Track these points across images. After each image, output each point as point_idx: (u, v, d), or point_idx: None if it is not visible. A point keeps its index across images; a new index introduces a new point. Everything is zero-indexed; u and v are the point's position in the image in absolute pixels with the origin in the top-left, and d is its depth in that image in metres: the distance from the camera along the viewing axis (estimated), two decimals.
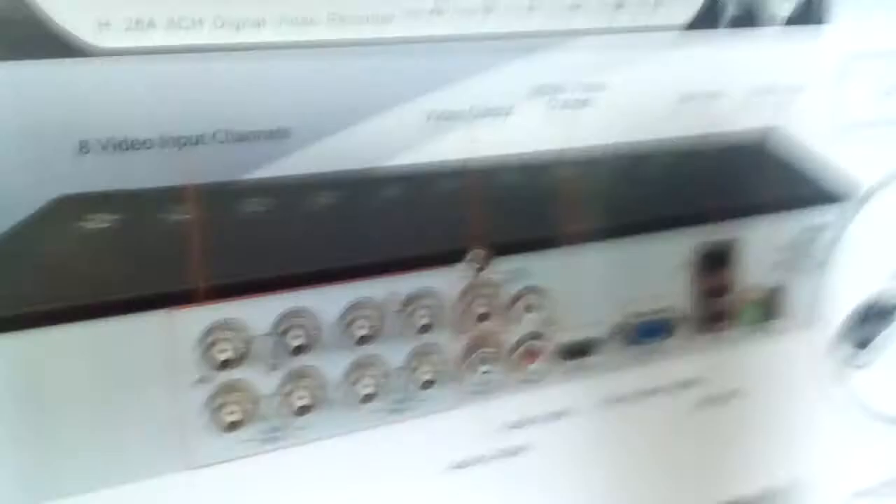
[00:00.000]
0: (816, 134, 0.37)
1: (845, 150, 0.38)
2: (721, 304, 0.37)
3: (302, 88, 0.27)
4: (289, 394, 0.29)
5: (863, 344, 0.41)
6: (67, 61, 0.24)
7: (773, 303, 0.38)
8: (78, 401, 0.26)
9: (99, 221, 0.25)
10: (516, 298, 0.32)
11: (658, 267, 0.35)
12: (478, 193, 0.30)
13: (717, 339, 0.37)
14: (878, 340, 0.41)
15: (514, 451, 0.33)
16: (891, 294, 0.41)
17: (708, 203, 0.35)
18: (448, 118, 0.29)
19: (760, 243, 0.37)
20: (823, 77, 0.37)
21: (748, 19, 0.35)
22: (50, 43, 0.24)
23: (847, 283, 0.39)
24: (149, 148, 0.25)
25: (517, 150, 0.31)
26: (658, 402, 0.36)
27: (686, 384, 0.36)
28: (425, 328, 0.30)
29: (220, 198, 0.27)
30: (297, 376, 0.29)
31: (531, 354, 0.33)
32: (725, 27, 0.34)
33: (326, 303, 0.29)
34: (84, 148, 0.24)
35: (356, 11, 0.27)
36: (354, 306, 0.29)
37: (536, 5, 0.30)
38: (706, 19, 0.34)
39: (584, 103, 0.32)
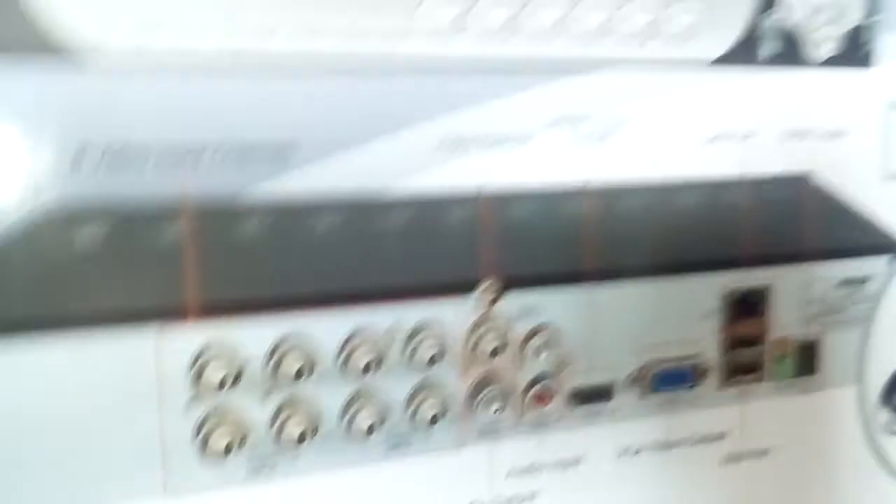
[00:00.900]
0: (860, 182, 0.36)
1: (891, 201, 0.36)
2: (751, 355, 0.35)
3: (313, 102, 0.26)
4: (283, 421, 0.27)
5: None
6: (67, 66, 0.23)
7: (807, 357, 0.36)
8: (59, 416, 0.25)
9: (92, 233, 0.24)
10: (529, 336, 0.31)
11: (684, 311, 0.33)
12: (492, 222, 0.29)
13: (745, 392, 0.35)
14: None
15: (521, 500, 0.31)
16: None
17: (740, 247, 0.34)
18: (463, 142, 0.28)
19: (796, 293, 0.35)
20: (867, 123, 0.35)
21: (787, 57, 0.33)
22: (50, 46, 0.23)
23: (891, 342, 0.37)
24: (146, 160, 0.24)
25: (535, 180, 0.30)
26: (679, 456, 0.34)
27: (711, 438, 0.35)
28: (432, 361, 0.29)
29: (219, 214, 0.26)
30: (293, 403, 0.27)
31: (543, 397, 0.31)
32: (761, 64, 0.33)
33: (327, 327, 0.28)
34: (81, 158, 0.24)
35: (372, 24, 0.27)
36: (357, 333, 0.28)
37: (563, 30, 0.29)
38: (741, 54, 0.32)
39: (605, 136, 0.30)
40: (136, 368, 0.25)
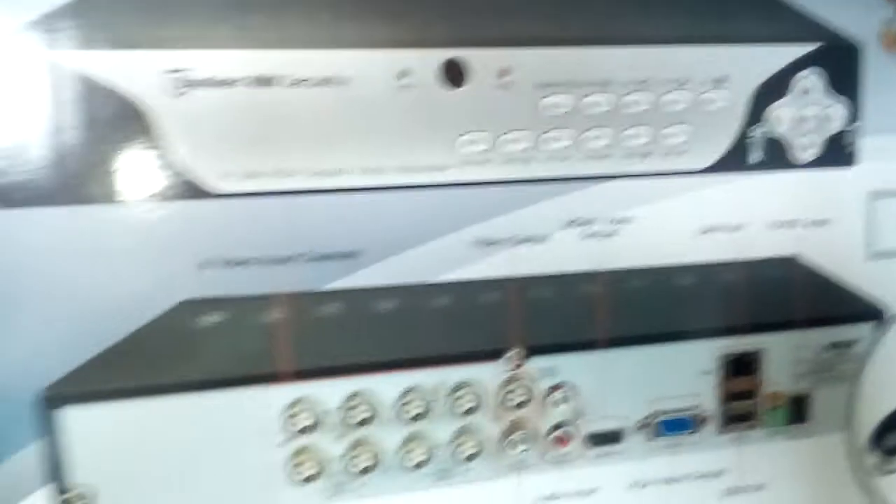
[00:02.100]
0: (846, 261, 0.42)
1: (875, 277, 0.42)
2: (745, 406, 0.42)
3: (372, 219, 0.35)
4: (353, 457, 0.36)
5: (893, 451, 0.44)
6: (198, 202, 0.33)
7: (798, 408, 0.42)
8: (193, 454, 0.34)
9: (212, 319, 0.34)
10: (550, 391, 0.39)
11: (685, 371, 0.40)
12: (518, 302, 0.37)
13: (741, 436, 0.42)
14: None
15: None
16: None
17: (734, 317, 0.41)
18: (492, 243, 0.37)
19: (787, 355, 0.42)
20: (851, 211, 0.42)
21: (774, 161, 0.40)
22: (184, 188, 0.33)
23: (879, 394, 0.43)
24: (252, 265, 0.34)
25: (552, 269, 0.38)
26: (682, 490, 0.41)
27: (710, 475, 0.42)
28: (470, 411, 0.37)
29: (305, 303, 0.35)
30: (360, 444, 0.36)
31: (562, 439, 0.39)
32: (750, 169, 0.40)
33: (387, 386, 0.36)
34: (205, 265, 0.33)
35: (417, 161, 0.35)
36: (410, 390, 0.37)
37: (571, 154, 0.37)
38: (731, 162, 0.39)
39: (612, 234, 0.38)
40: (246, 416, 0.35)
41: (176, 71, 0.32)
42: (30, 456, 0.33)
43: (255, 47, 0.33)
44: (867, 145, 0.41)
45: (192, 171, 0.33)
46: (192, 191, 0.33)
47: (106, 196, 0.32)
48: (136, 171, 0.32)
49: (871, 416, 0.44)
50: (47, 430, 0.32)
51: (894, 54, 0.41)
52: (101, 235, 0.32)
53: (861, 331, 0.43)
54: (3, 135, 0.31)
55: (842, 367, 0.43)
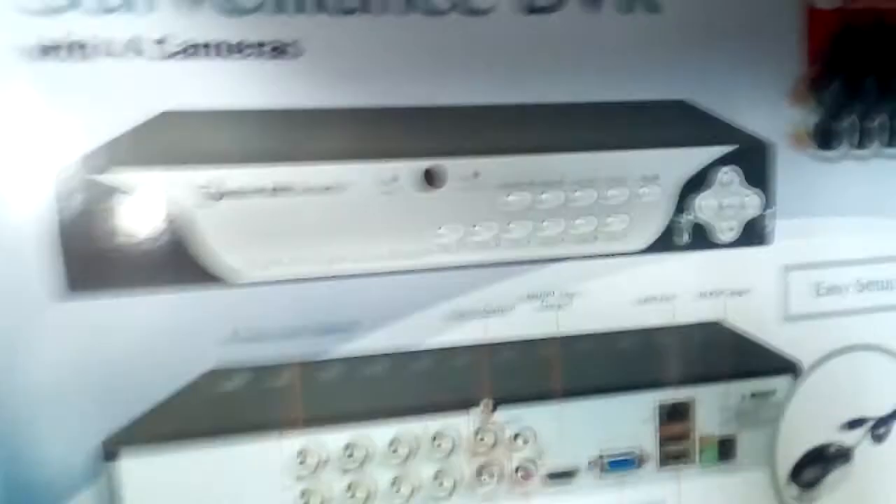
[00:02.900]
0: (765, 324, 0.50)
1: (790, 337, 0.51)
2: (681, 447, 0.49)
3: (368, 297, 0.43)
4: (353, 491, 0.44)
5: (809, 485, 0.52)
6: (224, 289, 0.41)
7: (727, 448, 0.50)
8: (223, 492, 0.42)
9: (237, 384, 0.42)
10: (515, 436, 0.46)
11: (627, 418, 0.48)
12: (486, 363, 0.45)
13: (679, 472, 0.49)
14: (822, 483, 0.52)
15: None
16: (834, 445, 0.52)
17: (668, 373, 0.49)
18: (465, 315, 0.45)
19: (715, 403, 0.50)
20: (768, 282, 0.50)
21: (699, 242, 0.48)
22: (211, 278, 0.41)
23: (795, 436, 0.51)
24: (270, 339, 0.42)
25: (516, 335, 0.46)
26: None
27: None
28: (448, 453, 0.45)
29: (313, 366, 0.43)
30: (360, 480, 0.44)
31: (526, 476, 0.47)
32: (679, 249, 0.48)
33: (380, 433, 0.44)
34: (233, 339, 0.41)
35: (404, 248, 0.43)
36: (399, 436, 0.44)
37: (530, 241, 0.45)
38: (662, 243, 0.47)
39: (565, 305, 0.46)
40: (266, 458, 0.43)
41: (207, 186, 0.40)
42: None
43: (272, 162, 0.41)
44: (780, 227, 0.49)
45: (222, 263, 0.41)
46: (220, 279, 0.41)
47: (155, 284, 0.40)
48: (180, 263, 0.40)
49: (789, 455, 0.52)
50: (106, 473, 0.40)
51: (801, 151, 0.49)
52: (149, 317, 0.40)
53: (779, 383, 0.51)
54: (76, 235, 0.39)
55: (763, 414, 0.51)
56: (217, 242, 0.41)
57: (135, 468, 0.41)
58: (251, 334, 0.41)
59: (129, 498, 0.41)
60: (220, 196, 0.40)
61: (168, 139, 0.40)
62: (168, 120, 0.40)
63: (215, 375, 0.41)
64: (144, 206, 0.40)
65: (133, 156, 0.39)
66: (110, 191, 0.39)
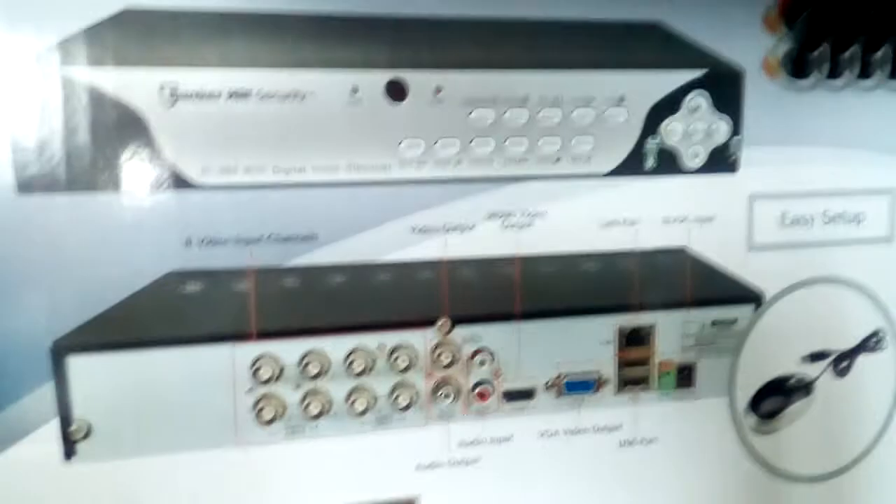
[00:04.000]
0: (729, 252, 0.50)
1: (754, 266, 0.51)
2: (639, 372, 0.49)
3: (327, 208, 0.43)
4: (307, 404, 0.44)
5: (768, 416, 0.53)
6: (183, 191, 0.41)
7: (686, 375, 0.50)
8: (174, 397, 0.42)
9: (193, 287, 0.41)
10: (473, 354, 0.46)
11: (587, 341, 0.48)
12: (446, 280, 0.45)
13: (636, 397, 0.50)
14: (782, 414, 0.53)
15: (466, 462, 0.47)
16: (795, 377, 0.53)
17: (630, 297, 0.49)
18: (426, 231, 0.44)
19: (676, 329, 0.50)
20: (734, 210, 0.50)
21: (666, 168, 0.48)
22: (172, 180, 0.40)
23: (756, 366, 0.52)
24: (227, 244, 0.41)
25: (477, 253, 0.46)
26: (585, 439, 0.49)
27: (609, 428, 0.50)
28: (406, 368, 0.45)
29: (270, 276, 0.42)
30: (313, 393, 0.44)
31: (483, 394, 0.47)
32: (645, 174, 0.48)
33: (337, 346, 0.44)
34: (189, 243, 0.41)
35: (365, 162, 0.43)
36: (356, 349, 0.44)
37: (494, 158, 0.45)
38: (629, 167, 0.47)
39: (527, 225, 0.46)
40: (219, 368, 0.43)
41: (168, 85, 0.39)
42: (41, 395, 0.40)
43: (233, 66, 0.41)
44: (747, 155, 0.49)
45: (179, 166, 0.40)
46: (179, 182, 0.40)
47: (109, 185, 0.40)
48: (134, 166, 0.40)
49: (749, 385, 0.52)
50: (55, 374, 0.40)
51: (772, 79, 0.49)
52: (104, 217, 0.40)
53: (740, 312, 0.51)
54: (27, 135, 0.38)
55: (723, 342, 0.51)
56: (172, 146, 0.40)
57: (84, 369, 0.40)
58: (207, 240, 0.41)
59: (78, 400, 0.41)
60: (175, 99, 0.40)
61: (126, 37, 0.39)
62: (128, 17, 0.39)
63: (169, 280, 0.41)
64: (99, 106, 0.39)
65: (90, 53, 0.39)
66: (64, 88, 0.39)
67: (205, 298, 0.42)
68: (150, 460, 0.42)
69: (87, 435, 0.41)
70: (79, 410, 0.41)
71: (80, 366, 0.40)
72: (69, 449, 0.41)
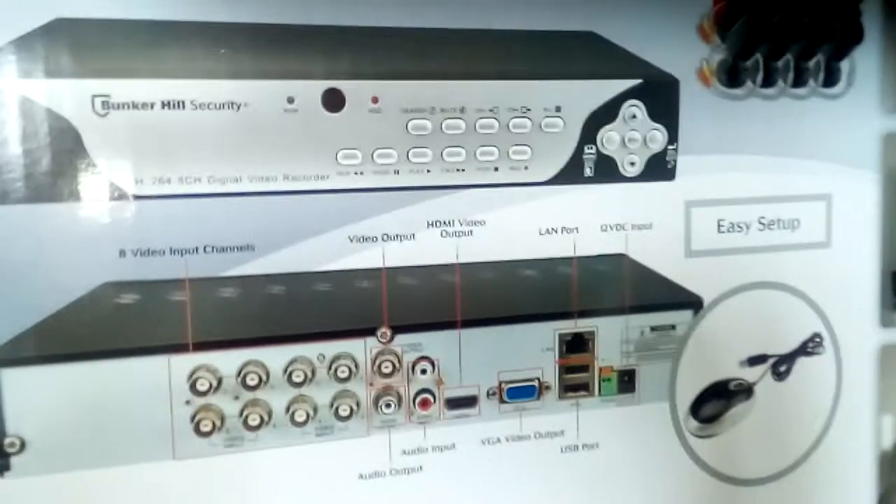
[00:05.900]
0: (667, 259, 0.51)
1: (692, 272, 0.51)
2: (581, 378, 0.50)
3: (264, 218, 0.43)
4: (247, 415, 0.44)
5: (709, 419, 0.53)
6: (115, 204, 0.40)
7: (627, 380, 0.51)
8: (110, 409, 0.42)
9: (128, 298, 0.41)
10: (414, 363, 0.46)
11: (528, 347, 0.48)
12: (388, 288, 0.45)
13: (578, 402, 0.50)
14: (722, 417, 0.53)
15: (408, 471, 0.47)
16: (735, 381, 0.53)
17: (570, 304, 0.49)
18: (365, 240, 0.45)
19: (616, 335, 0.50)
20: (671, 217, 0.50)
21: (604, 175, 0.48)
22: (105, 190, 0.40)
23: (695, 371, 0.52)
24: (162, 255, 0.41)
25: (417, 262, 0.46)
26: (528, 445, 0.49)
27: (552, 434, 0.50)
28: (347, 378, 0.45)
29: (206, 286, 0.42)
30: (252, 405, 0.44)
31: (426, 403, 0.47)
32: (584, 181, 0.48)
33: (276, 356, 0.44)
34: (123, 253, 0.41)
35: (302, 171, 0.43)
36: (296, 360, 0.44)
37: (432, 168, 0.45)
38: (568, 175, 0.48)
39: (467, 233, 0.46)
40: (155, 380, 0.42)
41: (100, 96, 0.39)
42: None
43: (166, 76, 0.40)
44: (684, 163, 0.50)
45: (113, 177, 0.40)
46: (112, 193, 0.40)
47: (41, 197, 0.39)
48: (67, 177, 0.39)
49: (690, 389, 0.52)
50: None
51: (707, 88, 0.50)
52: (36, 229, 0.39)
53: (680, 317, 0.51)
54: None
55: (663, 348, 0.51)
56: (106, 157, 0.40)
57: (17, 383, 0.40)
58: (142, 251, 0.41)
59: (11, 414, 0.40)
60: (108, 110, 0.39)
61: (57, 48, 0.39)
62: (60, 27, 0.39)
63: (104, 291, 0.41)
64: (30, 117, 0.39)
65: (20, 64, 0.38)
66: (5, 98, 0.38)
67: (140, 310, 0.41)
68: (87, 474, 0.42)
69: (21, 449, 0.41)
70: (12, 424, 0.40)
71: (13, 379, 0.40)
72: (3, 463, 0.41)
